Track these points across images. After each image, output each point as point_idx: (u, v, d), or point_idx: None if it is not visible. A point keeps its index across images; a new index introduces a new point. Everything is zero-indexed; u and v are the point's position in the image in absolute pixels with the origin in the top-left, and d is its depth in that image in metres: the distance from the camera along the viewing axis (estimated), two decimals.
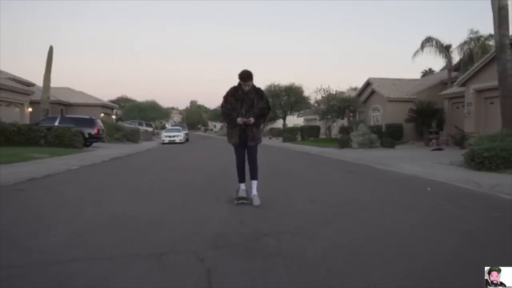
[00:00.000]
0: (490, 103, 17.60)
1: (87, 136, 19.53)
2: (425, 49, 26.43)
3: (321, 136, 34.79)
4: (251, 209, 5.25)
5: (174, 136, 30.85)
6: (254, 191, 5.57)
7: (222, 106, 5.71)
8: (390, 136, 23.45)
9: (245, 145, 5.61)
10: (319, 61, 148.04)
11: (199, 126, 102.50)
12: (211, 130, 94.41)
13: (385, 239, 3.89)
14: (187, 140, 34.01)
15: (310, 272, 2.92)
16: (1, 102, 22.89)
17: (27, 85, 29.52)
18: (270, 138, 40.50)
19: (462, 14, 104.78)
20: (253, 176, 5.65)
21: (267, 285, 2.70)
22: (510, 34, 11.55)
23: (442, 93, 22.26)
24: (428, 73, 51.83)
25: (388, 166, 11.62)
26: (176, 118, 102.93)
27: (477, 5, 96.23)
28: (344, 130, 29.10)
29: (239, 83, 5.52)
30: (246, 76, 5.40)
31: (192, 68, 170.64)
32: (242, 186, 5.67)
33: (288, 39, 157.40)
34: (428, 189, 7.12)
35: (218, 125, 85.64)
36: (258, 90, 5.64)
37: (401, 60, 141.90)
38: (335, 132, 34.60)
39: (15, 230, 4.14)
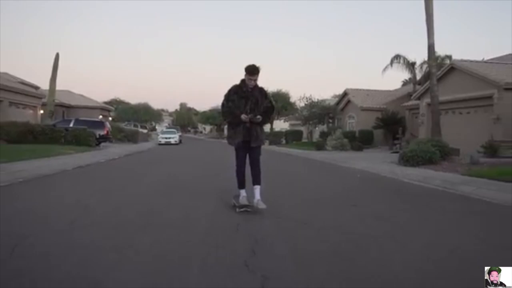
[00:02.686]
0: (439, 114, 21.22)
1: (98, 136, 22.59)
2: (394, 65, 30.23)
3: (304, 140, 38.25)
4: None
5: (169, 138, 34.06)
6: (258, 196, 5.24)
7: (223, 104, 5.43)
8: (363, 140, 27.04)
9: (247, 147, 5.35)
10: (309, 68, 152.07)
11: (189, 128, 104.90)
12: (201, 132, 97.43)
13: (312, 191, 7.25)
14: (180, 141, 37.18)
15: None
16: (19, 105, 25.87)
17: (33, 88, 32.37)
18: None
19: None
20: (256, 181, 5.36)
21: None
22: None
23: (403, 104, 25.96)
24: (408, 82, 56.02)
25: (346, 163, 15.05)
26: (167, 120, 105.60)
27: (441, 28, 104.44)
28: (324, 135, 32.63)
29: (242, 81, 5.32)
30: (253, 69, 5.19)
31: (183, 70, 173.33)
32: (243, 192, 5.39)
33: (281, 45, 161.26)
34: (358, 175, 10.58)
35: (208, 127, 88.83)
36: (261, 89, 5.43)
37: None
38: (316, 136, 38.11)
39: (114, 185, 7.42)
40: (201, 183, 8.31)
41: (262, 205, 5.12)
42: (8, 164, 9.88)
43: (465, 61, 19.50)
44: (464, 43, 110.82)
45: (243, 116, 5.12)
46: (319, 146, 25.35)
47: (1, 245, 3.43)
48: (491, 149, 16.18)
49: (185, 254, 3.40)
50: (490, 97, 16.92)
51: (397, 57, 29.71)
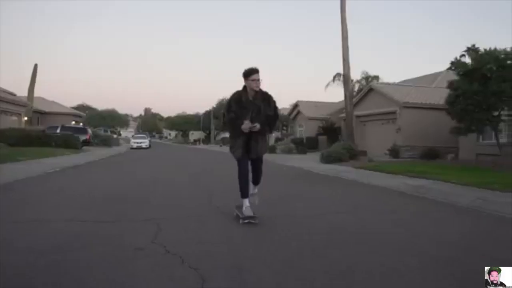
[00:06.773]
0: (364, 125, 26.67)
1: (81, 141, 26.42)
2: (336, 82, 35.84)
3: None
4: (217, 177, 13.04)
5: (141, 142, 38.15)
6: (255, 190, 5.39)
7: (224, 115, 5.34)
8: (309, 146, 32.22)
9: (249, 155, 5.23)
10: (271, 78, 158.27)
11: (153, 133, 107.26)
12: (166, 137, 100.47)
13: None
14: (150, 146, 41.16)
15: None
16: (7, 112, 29.11)
17: (12, 95, 35.27)
18: (220, 146, 48.32)
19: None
20: (256, 182, 5.48)
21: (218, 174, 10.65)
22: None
23: (340, 116, 31.32)
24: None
25: (284, 162, 19.81)
26: (132, 125, 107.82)
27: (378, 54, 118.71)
28: (279, 140, 37.75)
29: (244, 87, 5.08)
30: (250, 70, 4.97)
31: (147, 75, 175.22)
32: (246, 202, 5.17)
33: (244, 52, 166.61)
34: (284, 168, 15.41)
35: (173, 133, 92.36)
36: (265, 95, 5.15)
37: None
38: (272, 142, 43.15)
39: (124, 174, 11.79)
40: (181, 167, 12.85)
41: (254, 200, 5.34)
42: (38, 160, 13.98)
43: (381, 83, 25.06)
44: (398, 63, 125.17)
45: (243, 126, 4.95)
46: (271, 150, 30.21)
47: (87, 194, 7.89)
48: (394, 152, 21.72)
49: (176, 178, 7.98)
50: (394, 113, 22.41)
51: (338, 75, 35.26)
